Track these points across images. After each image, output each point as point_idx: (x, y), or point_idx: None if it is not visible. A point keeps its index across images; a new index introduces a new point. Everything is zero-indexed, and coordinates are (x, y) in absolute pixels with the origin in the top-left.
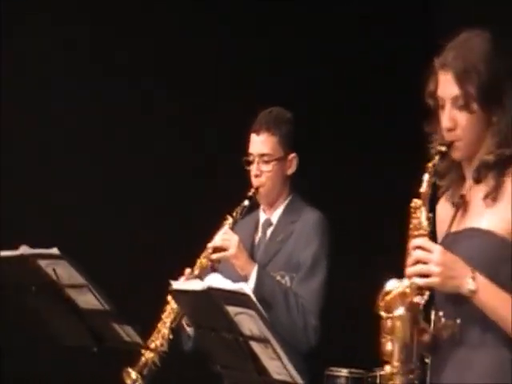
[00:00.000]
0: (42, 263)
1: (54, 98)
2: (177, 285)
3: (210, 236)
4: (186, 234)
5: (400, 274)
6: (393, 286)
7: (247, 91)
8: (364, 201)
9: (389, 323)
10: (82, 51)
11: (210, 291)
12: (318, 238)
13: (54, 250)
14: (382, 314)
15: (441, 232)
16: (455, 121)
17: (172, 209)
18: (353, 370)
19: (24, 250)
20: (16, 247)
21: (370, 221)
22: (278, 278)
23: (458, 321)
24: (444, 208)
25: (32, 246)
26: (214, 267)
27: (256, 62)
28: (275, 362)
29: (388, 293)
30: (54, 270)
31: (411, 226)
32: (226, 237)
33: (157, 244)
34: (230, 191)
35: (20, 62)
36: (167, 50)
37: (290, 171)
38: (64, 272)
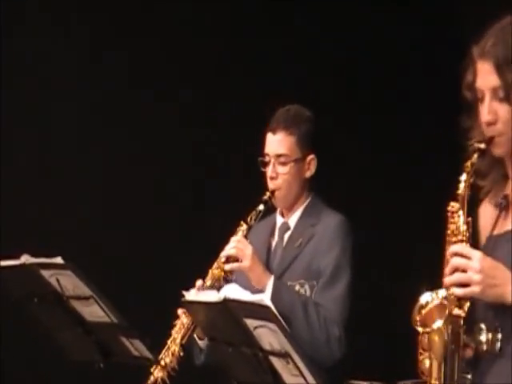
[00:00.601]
0: (45, 273)
1: (53, 98)
2: (190, 296)
3: (223, 244)
4: (199, 243)
5: (437, 285)
6: (428, 298)
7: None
8: (394, 204)
9: (426, 338)
10: (82, 51)
11: (227, 303)
12: (341, 242)
13: (58, 259)
14: (419, 329)
15: (484, 238)
16: (495, 114)
17: (184, 216)
18: (374, 383)
19: (26, 259)
20: (17, 257)
21: (401, 227)
22: (297, 287)
23: (500, 333)
24: (487, 211)
25: (34, 256)
26: (227, 278)
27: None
28: (297, 378)
29: (424, 306)
30: (57, 280)
31: (448, 231)
32: (239, 246)
33: (168, 254)
34: (244, 196)
35: (20, 62)
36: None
37: (309, 173)
38: (68, 282)
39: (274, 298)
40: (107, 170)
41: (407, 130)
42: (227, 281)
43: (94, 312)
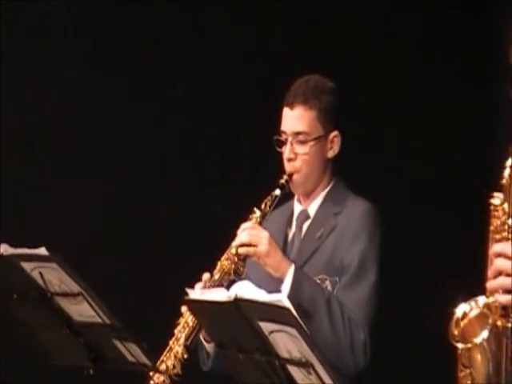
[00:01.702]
0: (27, 266)
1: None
2: (195, 294)
3: (234, 235)
4: (205, 236)
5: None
6: (466, 308)
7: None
8: (427, 197)
9: (467, 354)
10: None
11: (239, 303)
12: (368, 234)
13: (42, 250)
14: (459, 344)
15: None
16: None
17: (188, 205)
18: None
19: (4, 249)
20: None
21: (435, 222)
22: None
23: None
24: None
25: (16, 246)
26: (237, 271)
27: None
28: None
29: (463, 317)
30: (40, 273)
31: (491, 227)
32: (253, 232)
33: (170, 247)
34: (255, 183)
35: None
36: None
37: (332, 153)
38: (53, 277)
39: (293, 290)
40: (107, 162)
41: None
42: (238, 274)
43: (83, 311)
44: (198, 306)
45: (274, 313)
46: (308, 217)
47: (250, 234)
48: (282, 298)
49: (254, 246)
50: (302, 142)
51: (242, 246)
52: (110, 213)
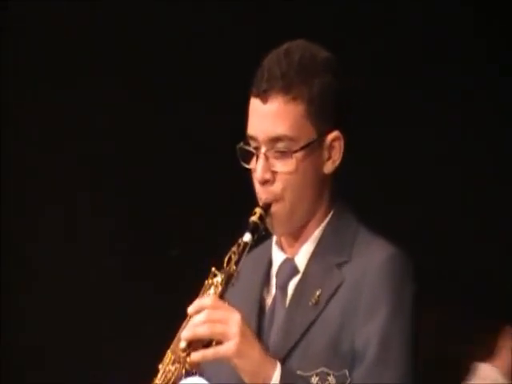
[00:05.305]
0: None
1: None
2: None
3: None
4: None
5: None
6: None
7: None
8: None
9: None
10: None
11: None
12: (393, 299)
13: None
14: None
15: None
16: None
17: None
18: None
19: None
20: None
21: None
22: (315, 380)
23: None
24: None
25: None
26: (192, 372)
27: None
28: None
29: None
30: None
31: None
32: (215, 315)
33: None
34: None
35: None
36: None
37: (331, 166)
38: None
39: None
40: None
41: None
42: (192, 374)
43: None
44: None
45: None
46: (296, 271)
47: (209, 319)
48: None
49: (218, 341)
50: (284, 154)
51: (192, 344)
52: None
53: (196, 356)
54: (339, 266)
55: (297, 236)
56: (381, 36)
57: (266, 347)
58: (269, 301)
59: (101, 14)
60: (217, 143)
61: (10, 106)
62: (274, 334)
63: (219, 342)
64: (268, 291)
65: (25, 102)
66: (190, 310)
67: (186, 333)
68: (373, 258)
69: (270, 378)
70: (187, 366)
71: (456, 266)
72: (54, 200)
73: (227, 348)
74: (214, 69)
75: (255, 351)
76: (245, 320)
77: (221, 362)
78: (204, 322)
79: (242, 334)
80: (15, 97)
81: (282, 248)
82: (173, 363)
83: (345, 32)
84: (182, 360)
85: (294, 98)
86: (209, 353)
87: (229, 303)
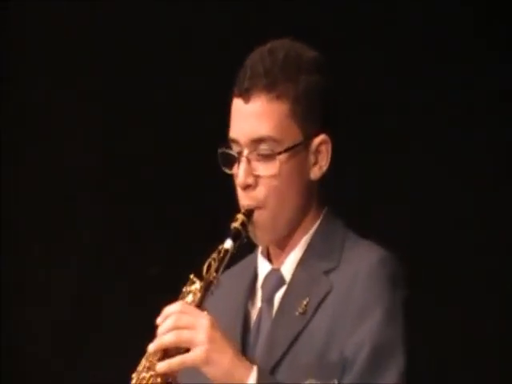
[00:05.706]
0: None
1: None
2: None
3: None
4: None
5: None
6: None
7: None
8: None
9: None
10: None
11: None
12: (383, 302)
13: None
14: None
15: None
16: None
17: None
18: None
19: None
20: None
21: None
22: None
23: None
24: None
25: None
26: (168, 381)
27: None
28: None
29: None
30: None
31: None
32: (182, 322)
33: None
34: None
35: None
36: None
37: (318, 172)
38: None
39: None
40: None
41: None
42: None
43: None
44: None
45: None
46: (282, 281)
47: (176, 325)
48: None
49: (185, 348)
50: (267, 157)
51: (164, 353)
52: None
53: (162, 366)
54: (327, 272)
55: (283, 245)
56: (381, 36)
57: (249, 359)
58: (254, 314)
59: (101, 14)
60: (217, 143)
61: (10, 106)
62: (259, 348)
63: (189, 349)
64: (253, 304)
65: (25, 101)
66: (159, 319)
67: (154, 343)
68: (363, 262)
69: (244, 382)
70: (159, 374)
71: (456, 266)
72: (54, 200)
73: (195, 355)
74: (214, 69)
75: (226, 357)
76: (215, 325)
77: (197, 370)
78: (170, 329)
79: (210, 340)
80: (15, 97)
81: (268, 258)
82: (147, 371)
83: (345, 32)
84: (152, 369)
85: (278, 97)
86: (175, 362)
87: (207, 312)
